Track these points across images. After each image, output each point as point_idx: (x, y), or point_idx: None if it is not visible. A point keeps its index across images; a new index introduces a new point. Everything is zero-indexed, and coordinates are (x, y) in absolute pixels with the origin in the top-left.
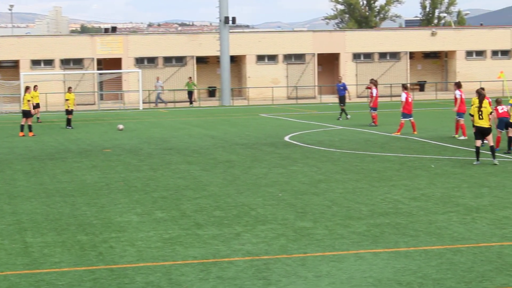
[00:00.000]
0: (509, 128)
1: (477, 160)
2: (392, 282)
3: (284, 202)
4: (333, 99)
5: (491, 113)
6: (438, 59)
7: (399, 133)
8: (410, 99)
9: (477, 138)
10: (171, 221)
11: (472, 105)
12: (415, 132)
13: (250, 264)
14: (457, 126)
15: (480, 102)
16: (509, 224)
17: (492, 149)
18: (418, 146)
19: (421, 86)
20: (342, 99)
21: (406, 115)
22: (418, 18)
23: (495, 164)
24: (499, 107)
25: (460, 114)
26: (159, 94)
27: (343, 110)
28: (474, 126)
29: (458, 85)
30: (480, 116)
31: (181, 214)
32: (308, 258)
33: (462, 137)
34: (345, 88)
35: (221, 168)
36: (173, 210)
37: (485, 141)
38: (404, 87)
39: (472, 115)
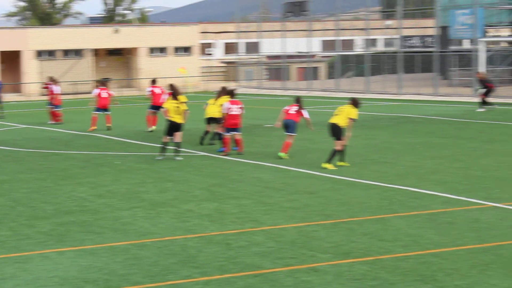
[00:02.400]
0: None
1: (162, 155)
2: (78, 280)
3: None
4: (17, 97)
5: (186, 110)
6: (121, 56)
7: (95, 127)
8: (104, 95)
9: (167, 133)
10: None
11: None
12: (109, 124)
13: None
14: (149, 119)
15: (176, 98)
16: (192, 217)
17: (178, 145)
18: (103, 142)
19: (106, 83)
20: None
21: (98, 109)
22: (101, 15)
23: (178, 160)
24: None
25: (153, 107)
26: None
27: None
28: (168, 121)
29: (153, 82)
30: (176, 112)
31: None
32: None
33: (151, 128)
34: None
35: None
36: None
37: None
38: (100, 82)
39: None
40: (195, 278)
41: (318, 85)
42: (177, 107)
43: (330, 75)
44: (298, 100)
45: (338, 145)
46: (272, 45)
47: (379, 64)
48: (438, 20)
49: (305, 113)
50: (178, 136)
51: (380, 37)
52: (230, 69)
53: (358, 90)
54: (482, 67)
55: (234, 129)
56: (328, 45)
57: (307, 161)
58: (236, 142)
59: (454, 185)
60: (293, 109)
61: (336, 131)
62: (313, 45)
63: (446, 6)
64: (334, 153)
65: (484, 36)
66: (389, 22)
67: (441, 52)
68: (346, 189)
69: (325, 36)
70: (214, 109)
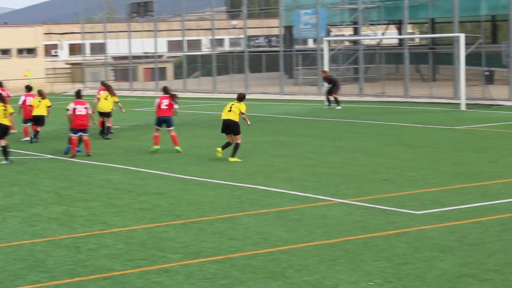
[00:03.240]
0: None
1: (6, 159)
2: None
3: None
4: None
5: (12, 113)
6: None
7: None
8: None
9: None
10: None
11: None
12: None
13: None
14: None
15: (4, 102)
16: (40, 221)
17: (4, 148)
18: None
19: None
20: None
21: None
22: None
23: (6, 163)
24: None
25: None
26: None
27: None
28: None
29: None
30: (3, 115)
31: None
32: None
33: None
34: None
35: None
36: None
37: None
38: None
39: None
40: (44, 283)
41: (166, 85)
42: (4, 109)
43: (177, 75)
44: (166, 91)
45: (238, 139)
46: (118, 46)
47: (226, 63)
48: (282, 20)
49: (175, 106)
50: (2, 140)
51: (226, 37)
52: (76, 70)
53: (205, 90)
54: (326, 66)
55: (82, 130)
56: (174, 45)
57: (156, 162)
58: (84, 143)
59: (302, 182)
60: (164, 104)
61: (234, 126)
62: (159, 45)
63: (289, 6)
64: (237, 146)
65: (328, 36)
66: (234, 22)
67: (286, 51)
68: (195, 189)
69: (171, 36)
70: (105, 103)
